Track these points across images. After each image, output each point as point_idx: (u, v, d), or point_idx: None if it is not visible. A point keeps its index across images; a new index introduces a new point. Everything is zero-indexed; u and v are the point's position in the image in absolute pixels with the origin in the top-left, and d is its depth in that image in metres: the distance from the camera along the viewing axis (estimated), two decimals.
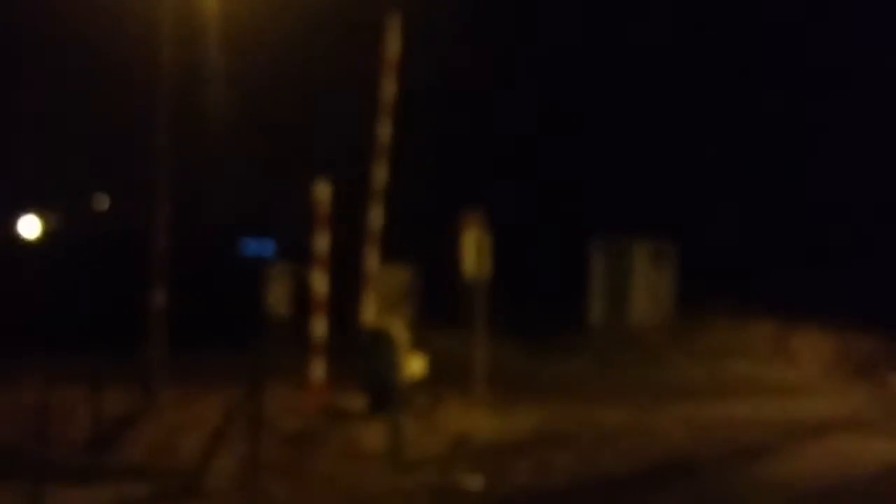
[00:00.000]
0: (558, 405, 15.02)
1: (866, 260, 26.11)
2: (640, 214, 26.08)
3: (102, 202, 36.55)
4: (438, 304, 17.51)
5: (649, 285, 24.66)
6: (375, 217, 15.20)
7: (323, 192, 14.40)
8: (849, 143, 28.63)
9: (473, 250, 15.13)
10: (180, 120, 15.45)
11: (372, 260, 15.22)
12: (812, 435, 14.27)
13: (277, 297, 19.59)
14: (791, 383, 20.33)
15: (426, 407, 13.79)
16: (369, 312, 14.67)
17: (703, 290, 23.66)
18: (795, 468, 12.21)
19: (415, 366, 13.20)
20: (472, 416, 13.97)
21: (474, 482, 11.15)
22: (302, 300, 16.76)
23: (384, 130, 15.15)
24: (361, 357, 13.74)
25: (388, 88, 15.17)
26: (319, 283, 14.46)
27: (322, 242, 14.39)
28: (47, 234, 35.65)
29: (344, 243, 14.95)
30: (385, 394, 12.99)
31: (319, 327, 14.39)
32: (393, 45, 15.21)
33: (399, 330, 13.50)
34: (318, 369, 14.26)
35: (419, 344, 13.94)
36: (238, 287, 22.85)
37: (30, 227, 35.38)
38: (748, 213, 28.29)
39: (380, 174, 15.25)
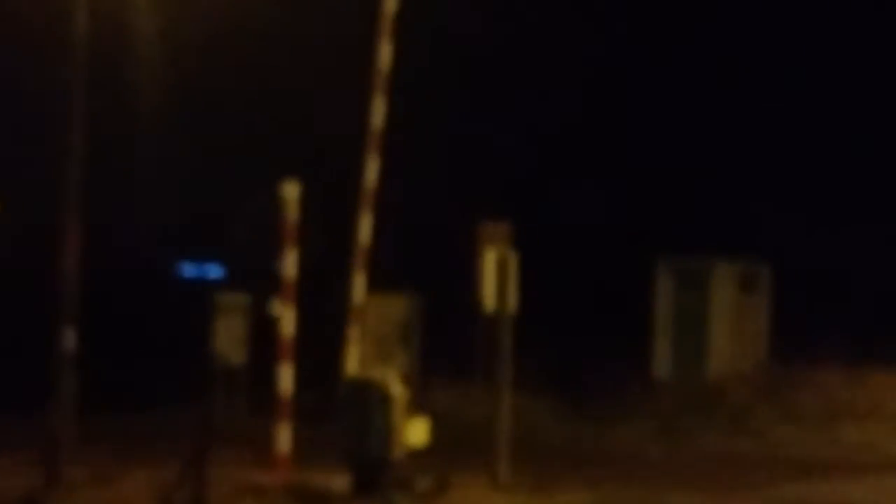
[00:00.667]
0: (610, 487, 15.02)
1: None
2: (722, 228, 26.11)
3: None
4: (447, 348, 17.53)
5: (736, 323, 24.67)
6: (364, 229, 15.11)
7: (290, 196, 14.45)
8: None
9: (494, 275, 15.17)
10: (98, 109, 15.49)
11: (359, 287, 15.21)
12: None
13: (228, 338, 19.64)
14: None
15: (430, 490, 13.80)
16: (354, 359, 14.67)
17: (809, 330, 23.67)
18: None
19: (414, 433, 13.26)
20: (495, 501, 13.99)
21: None
22: (262, 343, 16.83)
23: (377, 111, 15.06)
24: (343, 420, 13.78)
25: (384, 54, 15.11)
26: (286, 319, 14.52)
27: (290, 264, 14.44)
28: None
29: (320, 265, 15.01)
30: (375, 471, 13.05)
31: (286, 379, 14.44)
32: None
33: (394, 383, 13.57)
34: (283, 436, 14.31)
35: (420, 402, 14.00)
36: (174, 326, 22.90)
37: None
38: (872, 227, 28.29)
39: (370, 171, 15.18)
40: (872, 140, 30.00)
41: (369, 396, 13.35)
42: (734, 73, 30.27)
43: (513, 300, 15.23)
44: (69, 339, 14.33)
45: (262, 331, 16.86)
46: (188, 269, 33.31)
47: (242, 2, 25.66)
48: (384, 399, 13.19)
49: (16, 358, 17.16)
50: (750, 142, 29.87)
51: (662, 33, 31.06)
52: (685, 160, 29.18)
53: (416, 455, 13.72)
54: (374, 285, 17.79)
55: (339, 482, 13.67)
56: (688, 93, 30.19)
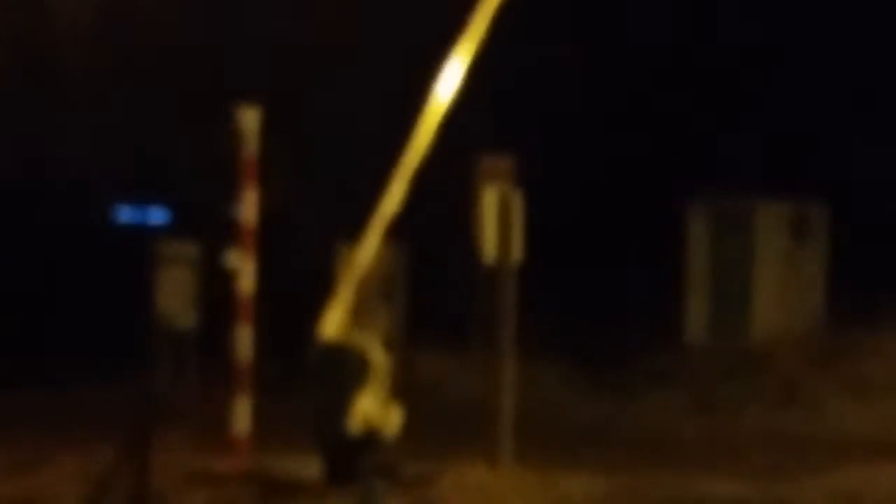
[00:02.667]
0: (633, 471, 15.14)
1: None
2: (769, 161, 26.16)
3: None
4: (438, 306, 17.59)
5: (785, 277, 24.77)
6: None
7: (250, 125, 14.49)
8: None
9: (495, 219, 15.22)
10: (21, 30, 15.49)
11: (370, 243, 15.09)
12: None
13: (174, 296, 19.69)
14: None
15: (420, 475, 13.91)
16: (331, 319, 14.63)
17: (873, 285, 23.77)
18: None
19: (387, 419, 13.32)
20: (494, 488, 14.10)
21: None
22: (217, 300, 16.88)
23: None
24: (313, 393, 13.85)
25: None
26: (245, 272, 14.59)
27: (249, 206, 14.49)
28: None
29: (285, 207, 15.04)
30: (352, 455, 13.11)
31: (244, 345, 14.53)
32: None
33: (375, 349, 13.63)
34: (241, 413, 14.41)
35: (406, 373, 14.07)
36: (109, 281, 22.94)
37: None
38: (824, 169, 28.44)
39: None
40: None
41: (345, 365, 13.40)
42: None
43: (517, 248, 15.28)
44: None
45: (216, 287, 16.89)
46: (126, 213, 33.37)
47: None
48: (364, 367, 13.24)
49: None
50: (803, 52, 29.94)
51: None
52: (723, 79, 29.25)
53: (402, 434, 13.80)
54: (352, 232, 17.86)
55: (309, 468, 13.76)
56: None
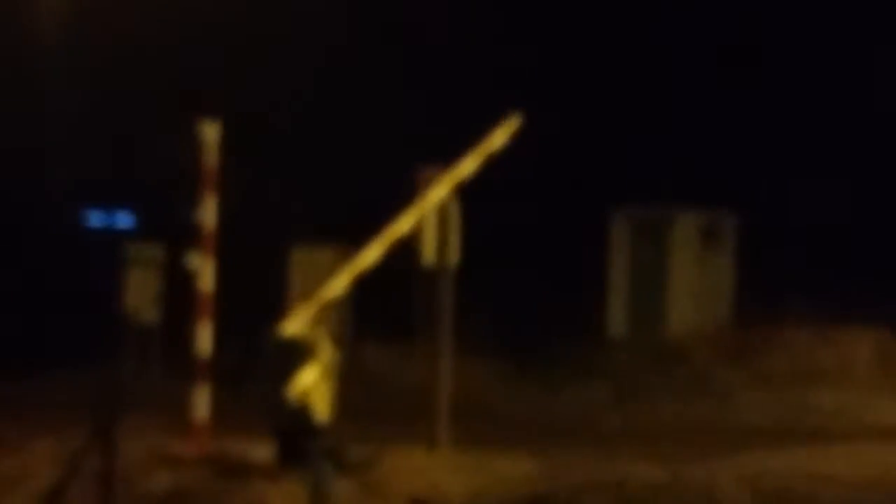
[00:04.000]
0: (558, 455, 15.12)
1: None
2: (684, 174, 26.22)
3: None
4: (381, 304, 17.54)
5: (697, 279, 24.87)
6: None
7: (210, 137, 14.43)
8: None
9: (434, 225, 15.18)
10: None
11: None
12: None
13: (140, 293, 19.58)
14: None
15: (364, 458, 13.85)
16: (294, 320, 14.53)
17: (776, 286, 23.91)
18: None
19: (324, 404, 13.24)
20: (432, 470, 14.05)
21: None
22: (178, 299, 16.80)
23: None
24: (267, 383, 13.78)
25: None
26: (205, 272, 14.52)
27: (209, 212, 14.42)
28: None
29: (242, 211, 14.99)
30: (302, 439, 13.07)
31: (204, 339, 14.46)
32: None
33: (323, 342, 13.60)
34: (201, 401, 14.34)
35: (354, 365, 14.05)
36: (80, 280, 22.78)
37: None
38: (847, 173, 28.55)
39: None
40: (849, 90, 30.39)
41: (295, 355, 13.36)
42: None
43: (454, 252, 15.26)
44: None
45: (178, 285, 16.80)
46: (95, 218, 33.13)
47: None
48: (309, 356, 13.22)
49: None
50: (716, 77, 30.08)
51: None
52: (644, 99, 29.32)
53: (349, 420, 13.76)
54: (303, 236, 17.81)
55: (263, 452, 13.69)
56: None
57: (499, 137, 15.20)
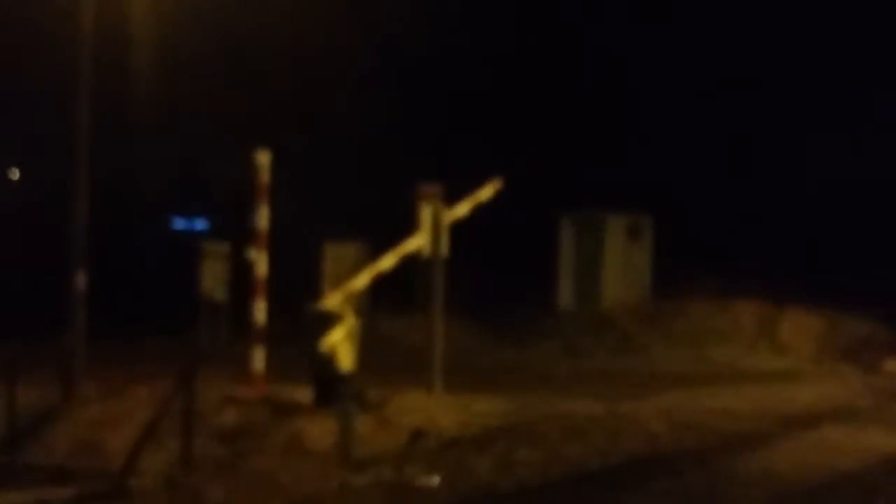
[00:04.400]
0: (523, 396, 15.08)
1: (862, 239, 26.57)
2: (614, 186, 26.16)
3: (13, 174, 36.32)
4: (392, 285, 17.46)
5: (624, 264, 24.78)
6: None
7: (262, 161, 14.37)
8: (850, 124, 29.28)
9: (430, 227, 15.15)
10: (102, 90, 15.24)
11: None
12: (800, 426, 14.46)
13: (213, 278, 19.49)
14: (778, 370, 20.59)
15: (379, 399, 13.81)
16: (331, 298, 14.50)
17: (683, 269, 23.87)
18: (782, 462, 12.38)
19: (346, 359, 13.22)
20: (429, 408, 14.00)
21: (431, 481, 11.23)
22: (241, 282, 16.75)
23: None
24: (308, 343, 13.73)
25: None
26: (260, 262, 14.46)
27: (262, 218, 14.36)
28: None
29: (288, 217, 14.97)
30: (333, 385, 13.02)
31: (260, 311, 14.41)
32: None
33: (349, 313, 13.55)
34: (258, 358, 14.30)
35: (370, 330, 14.02)
36: (169, 268, 22.71)
37: None
38: (736, 185, 28.52)
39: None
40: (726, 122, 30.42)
41: (328, 324, 13.32)
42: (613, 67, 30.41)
43: (445, 247, 15.25)
44: (80, 280, 14.21)
45: (241, 272, 16.74)
46: (179, 223, 33.06)
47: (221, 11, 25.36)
48: (340, 326, 13.19)
49: (38, 294, 16.92)
50: (637, 121, 30.10)
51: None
52: (589, 134, 29.30)
53: (368, 372, 13.71)
54: (335, 235, 17.67)
55: (304, 395, 13.66)
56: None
57: (486, 192, 15.92)
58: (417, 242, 15.15)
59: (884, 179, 28.33)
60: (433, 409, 14.01)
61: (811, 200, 28.08)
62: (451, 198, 15.47)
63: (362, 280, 14.59)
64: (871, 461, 12.42)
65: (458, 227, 15.50)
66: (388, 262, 15.02)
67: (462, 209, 15.65)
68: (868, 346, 22.58)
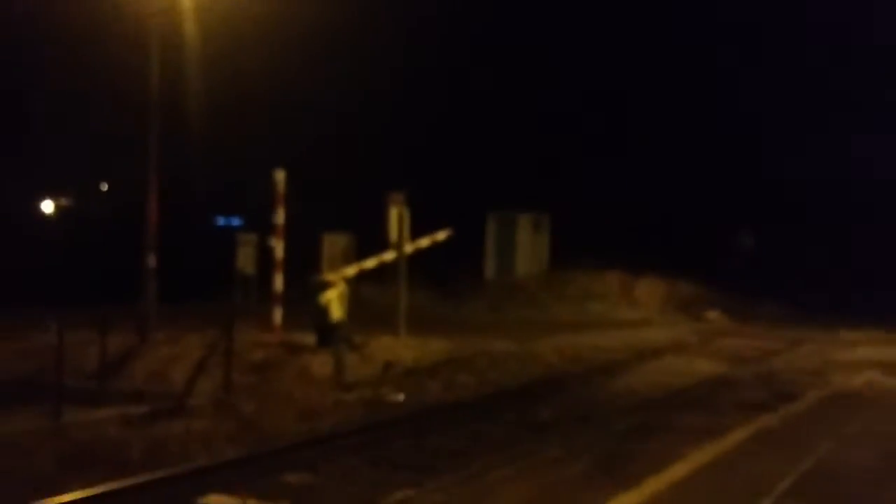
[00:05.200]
0: (461, 339, 15.14)
1: (688, 227, 27.06)
2: (524, 194, 26.16)
3: (103, 187, 35.97)
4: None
5: (530, 248, 24.92)
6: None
7: (279, 177, 14.29)
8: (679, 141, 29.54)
9: (396, 222, 15.09)
10: (167, 123, 14.99)
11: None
12: (650, 356, 14.66)
13: (245, 259, 19.28)
14: (634, 319, 20.85)
15: (361, 342, 13.75)
16: (330, 274, 14.40)
17: (570, 251, 24.04)
18: (639, 380, 12.54)
19: (339, 312, 13.14)
20: (396, 348, 14.01)
21: (398, 397, 11.25)
22: (265, 261, 16.61)
23: None
24: (312, 304, 13.62)
25: None
26: (278, 248, 14.36)
27: (279, 217, 14.26)
28: (61, 212, 35.14)
29: (298, 216, 14.83)
30: (329, 332, 12.95)
31: (278, 282, 14.32)
32: None
33: (340, 283, 13.46)
34: (277, 314, 14.21)
35: (356, 295, 13.94)
36: (213, 252, 22.42)
37: (47, 206, 35.31)
38: (606, 194, 28.71)
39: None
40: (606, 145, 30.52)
41: (325, 289, 13.21)
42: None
43: (407, 236, 15.19)
44: (151, 260, 14.01)
45: (265, 254, 16.59)
46: (220, 220, 32.69)
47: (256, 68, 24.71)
48: (333, 289, 13.11)
49: (121, 271, 16.59)
50: (549, 141, 30.09)
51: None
52: (508, 157, 29.25)
53: (354, 322, 13.64)
54: (329, 229, 17.49)
55: (309, 339, 13.57)
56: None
57: (441, 235, 16.08)
58: (390, 256, 15.11)
59: (702, 181, 28.79)
60: (399, 348, 14.01)
61: (656, 204, 28.36)
62: (417, 201, 15.38)
63: (351, 271, 14.53)
64: (698, 379, 12.62)
65: (416, 223, 15.41)
66: (370, 263, 15.01)
67: (424, 242, 15.78)
68: (695, 301, 22.95)
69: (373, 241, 16.08)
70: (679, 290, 23.47)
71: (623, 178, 28.36)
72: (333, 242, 20.28)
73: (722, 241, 26.87)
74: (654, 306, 22.68)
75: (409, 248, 15.19)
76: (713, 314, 21.72)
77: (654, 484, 6.50)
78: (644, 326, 19.26)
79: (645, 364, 13.92)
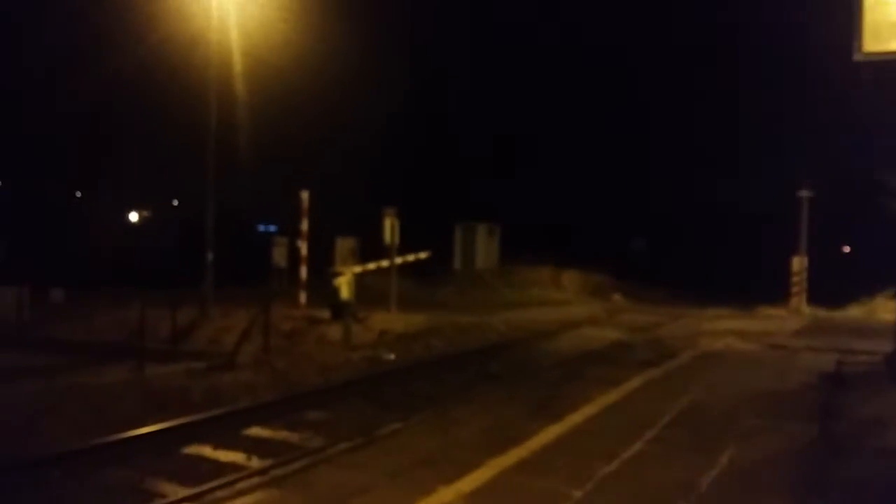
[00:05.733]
0: (436, 314, 15.10)
1: (598, 235, 27.26)
2: (482, 209, 26.09)
3: (174, 202, 35.53)
4: (372, 258, 17.28)
5: (486, 248, 24.88)
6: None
7: (304, 196, 14.22)
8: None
9: (389, 229, 15.05)
10: (221, 152, 14.78)
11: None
12: (571, 326, 14.71)
13: (279, 255, 19.05)
14: (561, 300, 20.90)
15: (363, 316, 13.71)
16: (342, 268, 14.27)
17: (514, 251, 24.07)
18: (563, 344, 12.59)
19: (348, 293, 13.09)
20: (389, 320, 13.96)
21: (390, 356, 11.22)
22: (293, 257, 16.46)
23: None
24: (328, 287, 13.53)
25: None
26: (303, 248, 14.30)
27: (304, 225, 14.20)
28: (144, 220, 34.65)
29: (317, 224, 14.74)
30: (340, 308, 12.91)
31: (303, 272, 14.24)
32: None
33: (349, 272, 13.41)
34: (302, 296, 14.13)
35: (360, 282, 13.88)
36: (256, 250, 22.11)
37: (134, 216, 34.89)
38: (538, 210, 28.77)
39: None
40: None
41: (338, 276, 13.15)
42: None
43: (397, 239, 15.13)
44: (209, 256, 13.88)
45: (293, 252, 16.42)
46: (261, 227, 32.33)
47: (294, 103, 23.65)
48: (344, 276, 13.06)
49: (187, 264, 16.31)
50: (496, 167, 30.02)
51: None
52: (468, 177, 29.18)
53: (358, 301, 13.58)
54: (340, 234, 17.35)
55: (325, 314, 13.51)
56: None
57: (422, 255, 16.09)
58: (385, 264, 14.89)
59: (610, 200, 29.04)
60: (391, 320, 13.97)
61: (577, 216, 28.51)
62: (406, 213, 15.29)
63: (357, 269, 14.42)
64: (605, 343, 12.69)
65: (404, 229, 15.34)
66: (371, 266, 14.91)
67: (410, 258, 15.68)
68: (604, 287, 23.08)
69: (373, 242, 16.04)
70: (593, 279, 23.61)
71: (551, 198, 28.57)
72: (343, 244, 20.10)
73: (623, 243, 27.24)
74: (575, 291, 22.79)
75: (399, 260, 15.10)
76: (617, 297, 21.87)
77: (574, 418, 6.56)
78: (567, 305, 19.34)
79: (568, 332, 13.99)
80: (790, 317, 16.57)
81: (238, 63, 14.51)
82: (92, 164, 29.57)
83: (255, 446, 6.45)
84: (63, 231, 27.48)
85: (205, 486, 5.24)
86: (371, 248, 16.43)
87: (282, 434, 6.84)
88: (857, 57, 4.09)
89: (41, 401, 7.68)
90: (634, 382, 8.39)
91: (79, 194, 34.93)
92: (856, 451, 5.48)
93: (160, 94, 23.61)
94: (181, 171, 24.27)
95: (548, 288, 22.82)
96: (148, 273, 18.06)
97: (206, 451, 6.36)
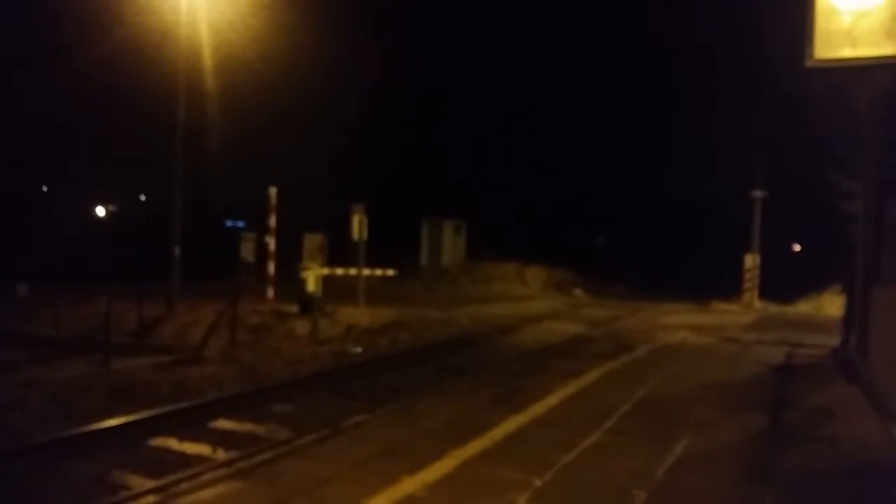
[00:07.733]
0: (402, 308, 15.05)
1: (560, 233, 27.48)
2: (449, 205, 26.13)
3: (141, 197, 34.77)
4: (340, 253, 17.15)
5: (452, 244, 24.93)
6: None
7: (272, 192, 14.02)
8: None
9: (357, 225, 14.93)
10: (190, 146, 14.49)
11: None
12: (534, 320, 14.79)
13: (247, 250, 18.78)
14: (524, 295, 21.02)
15: (331, 310, 13.59)
16: (309, 262, 14.12)
17: (480, 247, 24.13)
18: (526, 337, 12.65)
19: (316, 287, 12.97)
20: (357, 314, 13.86)
21: (356, 349, 11.13)
22: (261, 252, 16.21)
23: None
24: (296, 282, 13.37)
25: None
26: (271, 243, 14.08)
27: (272, 221, 13.99)
28: (110, 215, 33.81)
29: (285, 220, 14.54)
30: (308, 303, 12.77)
31: (271, 268, 14.04)
32: None
33: (316, 267, 13.26)
34: (269, 291, 13.92)
35: (328, 276, 13.75)
36: (223, 246, 21.76)
37: (101, 211, 34.07)
38: (506, 207, 28.88)
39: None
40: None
41: (305, 271, 13.00)
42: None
43: (365, 235, 15.02)
44: (176, 251, 13.59)
45: (262, 248, 16.19)
46: (229, 223, 31.80)
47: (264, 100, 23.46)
48: (312, 271, 12.90)
49: (154, 259, 15.98)
50: (469, 164, 30.03)
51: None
52: (439, 177, 29.15)
53: (326, 295, 13.45)
54: (309, 229, 17.15)
55: (293, 308, 13.35)
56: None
57: (389, 271, 15.87)
58: (353, 272, 14.75)
59: (571, 201, 29.28)
60: (359, 314, 13.88)
61: (540, 216, 28.69)
62: (374, 210, 15.19)
63: (324, 271, 14.27)
64: (566, 336, 12.79)
65: (372, 225, 15.24)
66: (339, 271, 14.74)
67: (378, 272, 15.53)
68: (565, 283, 23.29)
69: (340, 238, 15.92)
70: (555, 275, 23.81)
71: (517, 195, 28.72)
72: (311, 239, 19.84)
73: (584, 241, 27.51)
74: (538, 286, 22.95)
75: (366, 272, 14.97)
76: (578, 292, 22.10)
77: (536, 408, 6.58)
78: (530, 300, 19.46)
79: (530, 326, 14.07)
80: (743, 311, 16.92)
81: (207, 58, 14.20)
82: (58, 158, 28.80)
83: (220, 438, 6.33)
84: (29, 226, 26.66)
85: (170, 478, 5.13)
86: (339, 244, 16.28)
87: (248, 426, 6.72)
88: (808, 63, 4.17)
89: (6, 395, 7.43)
90: (593, 375, 8.45)
91: (45, 189, 34.01)
92: (804, 439, 5.61)
93: (128, 89, 23.13)
94: (148, 165, 23.81)
95: (512, 283, 22.94)
96: (114, 268, 17.64)
97: (172, 443, 6.23)
